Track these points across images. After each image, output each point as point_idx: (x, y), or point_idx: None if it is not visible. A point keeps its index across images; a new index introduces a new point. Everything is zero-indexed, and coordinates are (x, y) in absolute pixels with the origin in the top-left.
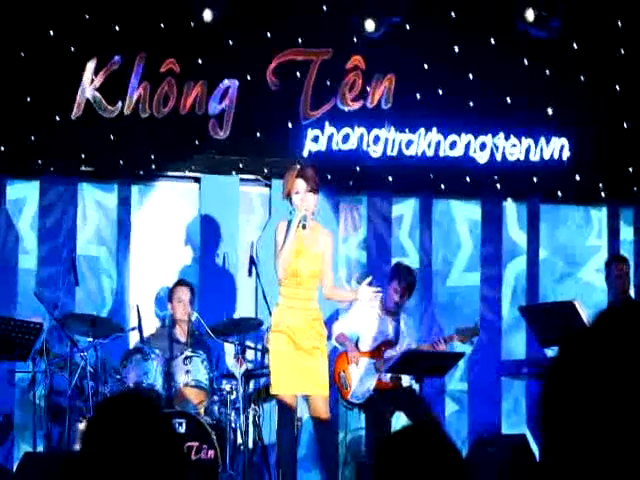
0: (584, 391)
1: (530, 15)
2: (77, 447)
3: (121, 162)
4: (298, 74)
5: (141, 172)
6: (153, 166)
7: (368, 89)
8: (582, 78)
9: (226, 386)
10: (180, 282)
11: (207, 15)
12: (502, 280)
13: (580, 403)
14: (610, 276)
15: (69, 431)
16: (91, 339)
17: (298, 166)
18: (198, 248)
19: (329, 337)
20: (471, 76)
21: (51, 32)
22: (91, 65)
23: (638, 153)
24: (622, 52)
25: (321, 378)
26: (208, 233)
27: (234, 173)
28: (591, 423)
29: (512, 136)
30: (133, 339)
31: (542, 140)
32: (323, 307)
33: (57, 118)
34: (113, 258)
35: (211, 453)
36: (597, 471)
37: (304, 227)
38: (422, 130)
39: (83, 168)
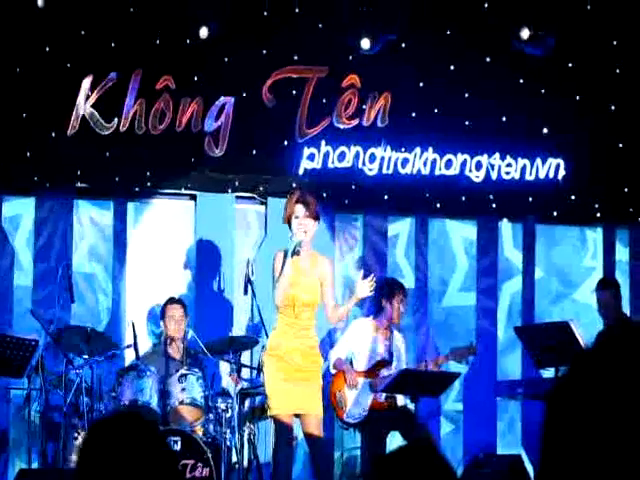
0: (586, 413)
1: (525, 34)
2: (72, 464)
3: (117, 179)
4: (294, 92)
5: (137, 189)
6: (149, 183)
7: (364, 107)
8: (577, 97)
9: (221, 404)
10: (171, 300)
11: (203, 32)
12: (498, 300)
13: (582, 424)
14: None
15: (64, 448)
16: (87, 356)
17: (298, 192)
18: (194, 266)
19: (327, 367)
20: (467, 95)
21: (47, 48)
22: (87, 82)
23: (634, 173)
24: (618, 71)
25: (315, 398)
26: (204, 251)
27: (230, 191)
28: (593, 443)
29: (508, 156)
30: (128, 357)
31: (538, 160)
32: (318, 327)
33: (53, 134)
34: (109, 275)
35: (206, 471)
36: None
37: (298, 254)
38: (418, 149)
39: (79, 185)
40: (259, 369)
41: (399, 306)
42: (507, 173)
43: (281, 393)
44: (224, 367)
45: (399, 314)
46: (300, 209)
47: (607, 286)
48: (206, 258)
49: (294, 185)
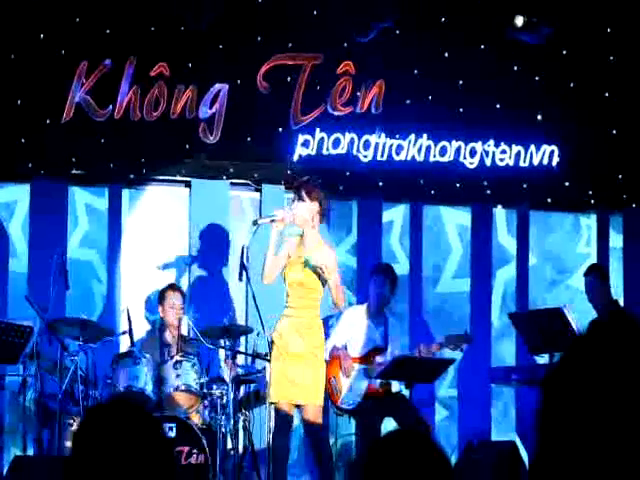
0: (581, 399)
1: (519, 21)
2: (68, 451)
3: (112, 166)
4: (288, 79)
5: (132, 176)
6: (144, 170)
7: (358, 94)
8: (572, 84)
9: (216, 391)
10: (172, 287)
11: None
12: (492, 286)
13: (577, 410)
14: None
15: (59, 434)
16: (81, 343)
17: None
18: (188, 252)
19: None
20: (461, 82)
21: (42, 35)
22: (82, 68)
23: (627, 160)
24: (612, 59)
25: (314, 386)
26: (198, 237)
27: (224, 177)
28: (587, 429)
29: (502, 142)
30: (123, 343)
31: (532, 146)
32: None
33: (47, 121)
34: (104, 262)
35: (201, 458)
36: (590, 476)
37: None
38: (412, 136)
39: (74, 172)
40: (254, 355)
41: (374, 289)
42: (501, 160)
43: (280, 381)
44: (219, 353)
45: (377, 297)
46: (292, 195)
47: (588, 272)
48: (201, 245)
49: (288, 172)
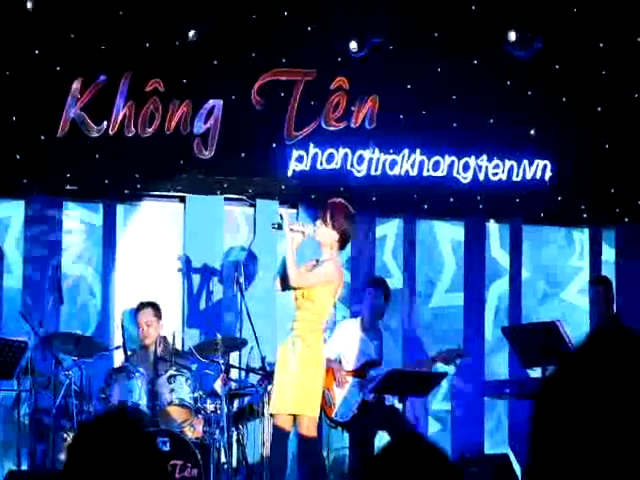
0: (574, 412)
1: (512, 36)
2: (62, 465)
3: (106, 181)
4: (282, 94)
5: (126, 191)
6: (138, 185)
7: (352, 109)
8: (564, 99)
9: (210, 405)
10: (141, 305)
11: (192, 35)
12: (485, 300)
13: (570, 424)
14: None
15: (53, 449)
16: (76, 358)
17: None
18: (183, 267)
19: None
20: (454, 97)
21: (36, 51)
22: (76, 84)
23: (620, 174)
24: (604, 73)
25: (308, 399)
26: (193, 252)
27: (219, 193)
28: (580, 443)
29: (495, 157)
30: (117, 358)
31: (525, 161)
32: None
33: (42, 137)
34: (98, 277)
35: (195, 471)
36: None
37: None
38: (406, 150)
39: (68, 187)
40: (248, 370)
41: (369, 301)
42: (494, 174)
43: (277, 392)
44: (213, 368)
45: (372, 309)
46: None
47: (592, 283)
48: (195, 260)
49: (283, 187)
